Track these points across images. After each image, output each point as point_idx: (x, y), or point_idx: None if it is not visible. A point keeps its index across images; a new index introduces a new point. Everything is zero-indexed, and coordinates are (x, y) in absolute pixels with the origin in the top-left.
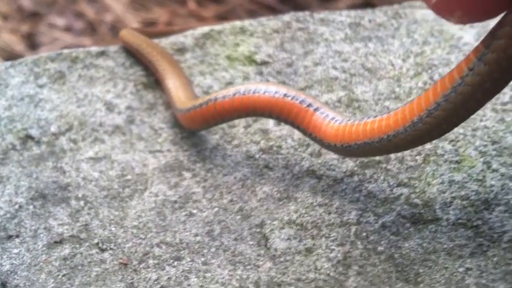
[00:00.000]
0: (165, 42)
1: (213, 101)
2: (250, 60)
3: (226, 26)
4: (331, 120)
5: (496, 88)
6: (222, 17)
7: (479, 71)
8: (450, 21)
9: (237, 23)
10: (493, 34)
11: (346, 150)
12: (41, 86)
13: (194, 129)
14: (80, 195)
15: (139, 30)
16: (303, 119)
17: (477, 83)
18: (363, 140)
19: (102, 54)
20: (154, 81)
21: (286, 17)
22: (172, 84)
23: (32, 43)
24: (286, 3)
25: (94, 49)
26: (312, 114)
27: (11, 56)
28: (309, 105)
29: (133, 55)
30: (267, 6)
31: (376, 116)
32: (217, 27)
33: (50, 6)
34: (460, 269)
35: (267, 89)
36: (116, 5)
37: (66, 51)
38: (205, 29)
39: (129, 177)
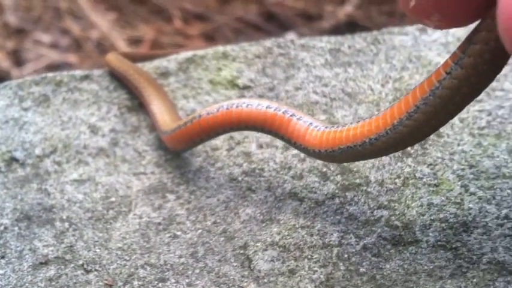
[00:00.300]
0: (149, 66)
1: (197, 118)
2: (232, 84)
3: (209, 51)
4: (315, 128)
5: (474, 92)
6: (207, 36)
7: (457, 75)
8: (428, 25)
9: (220, 48)
10: (469, 39)
11: (330, 155)
12: (25, 109)
13: (180, 150)
14: (64, 217)
15: (124, 54)
16: (286, 129)
17: (455, 87)
18: (346, 144)
19: (86, 77)
20: (138, 105)
21: (268, 43)
22: (157, 108)
23: (18, 59)
24: (271, 22)
25: (78, 73)
26: (296, 123)
27: None
28: (292, 115)
29: (119, 79)
30: (253, 25)
31: (358, 121)
32: (200, 52)
33: (35, 23)
34: None
35: (250, 102)
36: (101, 22)
37: (50, 74)
38: (188, 53)
39: (113, 199)
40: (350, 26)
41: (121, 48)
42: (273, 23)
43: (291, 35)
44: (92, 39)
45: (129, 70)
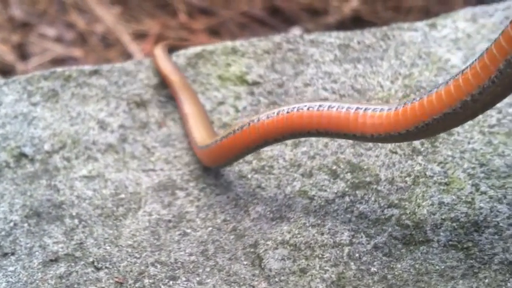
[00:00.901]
0: None
1: (247, 126)
2: (241, 80)
3: (218, 46)
4: (389, 110)
5: None
6: (212, 30)
7: None
8: None
9: (229, 44)
10: None
11: (421, 130)
12: (34, 104)
13: (217, 165)
14: (74, 214)
15: (171, 45)
16: (355, 124)
17: None
18: (441, 112)
19: (95, 72)
20: (147, 100)
21: (277, 38)
22: (194, 121)
23: (23, 53)
24: (276, 16)
25: (87, 68)
26: (365, 115)
27: (2, 66)
28: (357, 109)
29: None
30: (258, 20)
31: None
32: (209, 47)
33: (40, 17)
34: None
35: (310, 105)
36: (106, 16)
37: (59, 69)
38: (197, 48)
39: (122, 195)
40: (355, 21)
41: (126, 43)
42: (278, 18)
43: (296, 30)
44: (97, 33)
45: (170, 73)
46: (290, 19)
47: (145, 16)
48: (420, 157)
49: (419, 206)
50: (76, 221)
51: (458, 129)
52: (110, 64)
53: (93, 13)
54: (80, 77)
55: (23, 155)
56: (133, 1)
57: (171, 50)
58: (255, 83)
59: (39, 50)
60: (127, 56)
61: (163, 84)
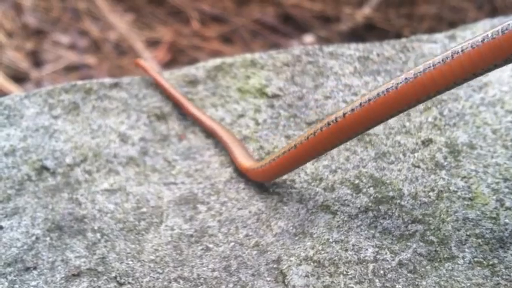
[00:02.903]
0: (177, 73)
1: (342, 116)
2: (261, 92)
3: (238, 58)
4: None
5: None
6: (225, 37)
7: None
8: None
9: (248, 56)
10: None
11: None
12: (55, 117)
13: (277, 177)
14: (96, 228)
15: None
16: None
17: None
18: None
19: (115, 85)
20: (167, 113)
21: (296, 51)
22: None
23: (36, 60)
24: (288, 24)
25: (107, 80)
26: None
27: (16, 73)
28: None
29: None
30: (270, 27)
31: None
32: (229, 59)
33: (54, 24)
34: None
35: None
36: (120, 24)
37: (80, 82)
38: (216, 61)
39: (144, 209)
40: (368, 28)
41: (139, 50)
42: (291, 25)
43: (308, 37)
44: (110, 40)
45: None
46: (302, 26)
47: (158, 24)
48: (443, 171)
49: (443, 222)
50: (98, 235)
51: (481, 142)
52: (129, 77)
53: (106, 21)
54: (101, 89)
55: (45, 168)
56: (146, 9)
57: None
58: (275, 96)
59: (53, 57)
60: None
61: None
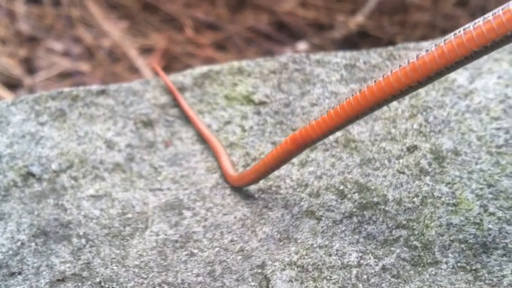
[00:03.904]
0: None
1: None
2: (248, 100)
3: (225, 66)
4: None
5: None
6: (219, 45)
7: None
8: None
9: (235, 63)
10: None
11: None
12: (42, 124)
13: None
14: (81, 233)
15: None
16: None
17: None
18: None
19: (102, 92)
20: (154, 120)
21: (283, 58)
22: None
23: (30, 67)
24: (282, 31)
25: (94, 87)
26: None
27: (9, 80)
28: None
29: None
30: (264, 35)
31: None
32: (216, 67)
33: (48, 31)
34: None
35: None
36: (113, 31)
37: (66, 89)
38: (204, 68)
39: (129, 215)
40: (361, 36)
41: (132, 58)
42: (284, 33)
43: (302, 45)
44: (104, 47)
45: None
46: (296, 34)
47: (152, 31)
48: (428, 177)
49: (427, 227)
50: (83, 240)
51: (466, 149)
52: (117, 84)
53: (100, 28)
54: (87, 96)
55: (31, 174)
56: (140, 16)
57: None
58: (262, 103)
59: (46, 64)
60: (134, 70)
61: (170, 104)
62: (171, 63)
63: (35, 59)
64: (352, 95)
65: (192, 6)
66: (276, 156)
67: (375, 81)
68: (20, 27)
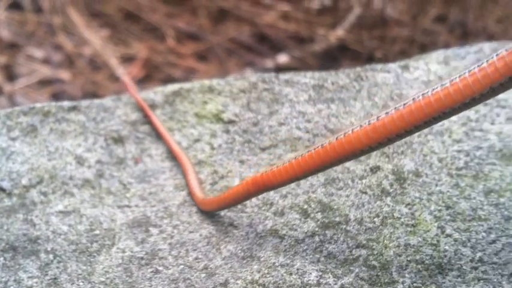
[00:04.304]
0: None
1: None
2: (217, 118)
3: (196, 84)
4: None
5: None
6: (200, 55)
7: None
8: None
9: (206, 82)
10: None
11: None
12: (13, 139)
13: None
14: (49, 249)
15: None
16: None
17: None
18: None
19: (73, 108)
20: (124, 136)
21: (253, 78)
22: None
23: (10, 74)
24: (263, 43)
25: (66, 103)
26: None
27: None
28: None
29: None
30: (245, 46)
31: None
32: (187, 85)
33: (28, 38)
34: None
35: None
36: (94, 39)
37: (38, 105)
38: (175, 86)
39: (97, 232)
40: (341, 50)
41: (113, 66)
42: (266, 45)
43: (283, 57)
44: (85, 55)
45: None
46: (277, 46)
47: (134, 40)
48: (389, 198)
49: (386, 247)
50: (51, 256)
51: (427, 170)
52: (88, 100)
53: (81, 36)
54: (59, 112)
55: (1, 189)
56: (122, 25)
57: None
58: (231, 122)
59: (27, 71)
60: (114, 79)
61: (140, 120)
62: (152, 72)
63: (15, 66)
64: (314, 149)
65: (174, 16)
66: (237, 193)
67: (336, 137)
68: (1, 33)
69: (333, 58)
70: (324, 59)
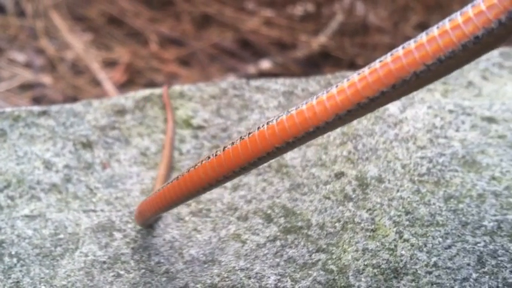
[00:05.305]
0: (107, 103)
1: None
2: (187, 123)
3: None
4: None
5: None
6: (183, 60)
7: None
8: None
9: (177, 88)
10: None
11: None
12: None
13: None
14: (13, 253)
15: None
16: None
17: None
18: None
19: (43, 113)
20: (93, 141)
21: (224, 84)
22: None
23: None
24: (246, 49)
25: (36, 108)
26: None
27: None
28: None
29: None
30: (228, 52)
31: None
32: (157, 91)
33: (10, 42)
34: None
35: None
36: (76, 43)
37: (8, 109)
38: (146, 92)
39: (61, 236)
40: (323, 56)
41: (95, 71)
42: (248, 51)
43: (265, 63)
44: (67, 60)
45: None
46: (259, 52)
47: (116, 44)
48: (351, 203)
49: (345, 252)
50: (15, 259)
51: (390, 176)
52: (58, 105)
53: (63, 40)
54: (29, 117)
55: None
56: (105, 29)
57: None
58: (200, 127)
59: (8, 75)
60: (96, 83)
61: (110, 125)
62: (134, 77)
63: None
64: (180, 175)
65: (157, 21)
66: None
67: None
68: None
69: (315, 64)
70: (306, 65)
